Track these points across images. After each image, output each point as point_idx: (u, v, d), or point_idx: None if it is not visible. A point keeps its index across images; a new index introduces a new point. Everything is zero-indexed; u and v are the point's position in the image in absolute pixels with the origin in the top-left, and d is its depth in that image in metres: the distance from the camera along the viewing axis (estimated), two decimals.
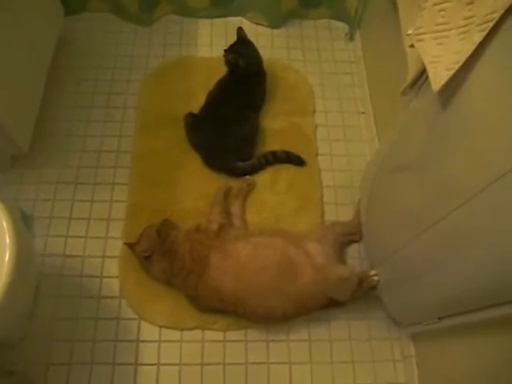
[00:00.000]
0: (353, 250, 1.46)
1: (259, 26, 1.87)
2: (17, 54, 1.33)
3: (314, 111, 1.69)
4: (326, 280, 1.24)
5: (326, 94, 1.74)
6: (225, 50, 1.57)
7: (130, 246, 1.32)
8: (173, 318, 1.32)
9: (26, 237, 1.08)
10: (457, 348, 1.07)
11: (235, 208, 1.43)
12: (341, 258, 1.41)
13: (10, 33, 1.29)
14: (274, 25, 1.88)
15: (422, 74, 0.99)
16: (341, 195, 1.55)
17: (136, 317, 1.32)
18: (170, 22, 1.86)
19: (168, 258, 1.28)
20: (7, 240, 0.92)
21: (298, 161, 1.55)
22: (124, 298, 1.34)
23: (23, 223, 1.35)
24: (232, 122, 1.49)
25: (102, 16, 1.84)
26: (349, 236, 1.44)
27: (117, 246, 1.40)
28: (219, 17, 1.88)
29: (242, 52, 1.54)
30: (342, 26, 1.90)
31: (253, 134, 1.52)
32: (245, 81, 1.55)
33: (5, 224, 0.94)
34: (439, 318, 1.02)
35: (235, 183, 1.48)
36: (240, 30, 1.59)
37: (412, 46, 0.93)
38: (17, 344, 1.26)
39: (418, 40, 0.88)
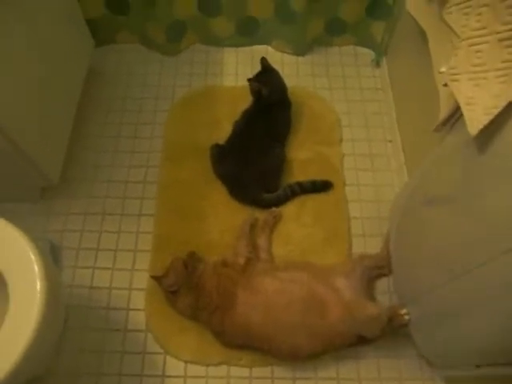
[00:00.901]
0: (382, 284, 1.42)
1: (284, 54, 1.88)
2: (48, 87, 1.36)
3: (340, 140, 1.67)
4: (354, 317, 1.20)
5: (352, 122, 1.73)
6: (248, 79, 1.57)
7: (156, 279, 1.31)
8: (198, 353, 1.30)
9: (53, 269, 1.08)
10: None
11: (261, 241, 1.42)
12: (369, 292, 1.37)
13: (41, 65, 1.32)
14: (299, 52, 1.88)
15: (456, 111, 0.97)
16: (368, 226, 1.51)
17: (162, 351, 1.31)
18: (196, 52, 1.89)
19: (195, 293, 1.27)
20: (36, 270, 0.92)
21: (325, 186, 1.53)
22: (150, 332, 1.34)
23: (52, 254, 1.37)
24: (258, 153, 1.48)
25: (131, 47, 1.88)
26: (377, 269, 1.40)
27: (143, 279, 1.40)
28: (244, 45, 1.90)
29: (265, 81, 1.54)
30: (368, 53, 1.89)
31: (279, 164, 1.51)
32: (269, 110, 1.54)
33: (32, 256, 0.94)
34: (477, 366, 0.98)
35: (261, 215, 1.47)
36: (263, 60, 1.59)
37: (446, 84, 0.91)
38: (41, 378, 1.26)
39: (453, 80, 0.86)
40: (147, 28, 1.78)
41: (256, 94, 1.54)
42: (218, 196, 1.52)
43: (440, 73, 0.92)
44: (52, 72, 1.38)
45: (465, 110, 0.81)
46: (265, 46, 1.90)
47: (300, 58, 1.88)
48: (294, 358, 1.25)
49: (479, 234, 0.88)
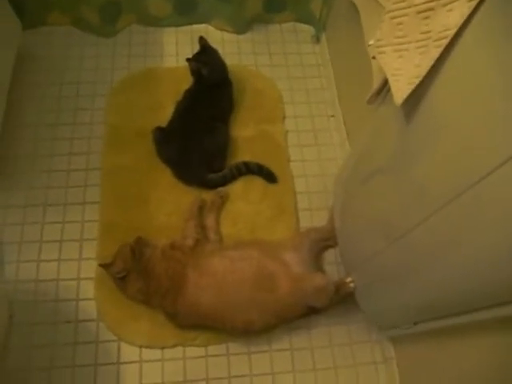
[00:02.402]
0: (330, 255, 1.47)
1: (225, 33, 1.86)
2: None
3: (283, 117, 1.69)
4: (303, 289, 1.24)
5: (294, 98, 1.74)
6: (187, 59, 1.54)
7: (104, 267, 1.29)
8: (152, 337, 1.30)
9: None
10: (434, 350, 1.09)
11: (210, 221, 1.42)
12: (317, 264, 1.42)
13: None
14: (239, 30, 1.86)
15: (386, 83, 1.00)
16: (315, 200, 1.55)
17: (115, 338, 1.30)
18: (133, 33, 1.83)
19: (144, 277, 1.26)
20: None
21: (270, 177, 1.52)
22: (102, 321, 1.32)
23: None
24: (201, 134, 1.47)
25: (63, 29, 1.79)
26: (324, 241, 1.45)
27: (91, 267, 1.37)
28: (184, 25, 1.85)
29: (204, 60, 1.52)
30: (308, 29, 1.90)
31: (223, 144, 1.51)
32: (211, 90, 1.53)
33: None
34: (415, 323, 1.04)
35: (208, 196, 1.47)
36: (202, 39, 1.57)
37: (374, 57, 0.93)
38: None
39: (380, 52, 0.88)
40: (79, 8, 1.70)
41: (196, 74, 1.53)
42: (163, 179, 1.50)
43: (368, 46, 0.94)
44: None
45: (391, 80, 0.84)
46: (204, 25, 1.87)
47: (240, 36, 1.87)
48: (248, 332, 1.28)
49: (411, 198, 0.92)
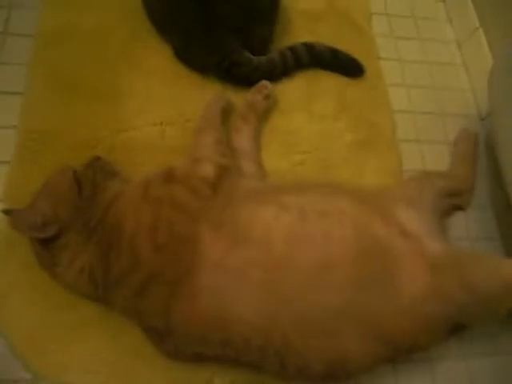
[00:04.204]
0: (457, 225, 0.79)
1: None
2: None
3: None
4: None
5: None
6: None
7: (14, 215, 0.57)
8: (112, 375, 0.59)
9: None
10: None
11: (242, 140, 0.71)
12: (444, 236, 0.73)
13: None
14: None
15: None
16: (423, 126, 0.87)
17: (28, 377, 0.59)
18: None
19: (99, 241, 0.55)
20: None
21: (351, 68, 0.85)
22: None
23: None
24: None
25: None
26: (452, 198, 0.77)
27: None
28: None
29: None
30: None
31: (272, 2, 0.80)
32: None
33: None
34: None
35: (239, 94, 0.76)
36: None
37: None
38: None
39: None
40: None
41: None
42: (154, 57, 0.79)
43: None
44: None
45: None
46: None
47: None
48: (331, 378, 0.57)
49: None
